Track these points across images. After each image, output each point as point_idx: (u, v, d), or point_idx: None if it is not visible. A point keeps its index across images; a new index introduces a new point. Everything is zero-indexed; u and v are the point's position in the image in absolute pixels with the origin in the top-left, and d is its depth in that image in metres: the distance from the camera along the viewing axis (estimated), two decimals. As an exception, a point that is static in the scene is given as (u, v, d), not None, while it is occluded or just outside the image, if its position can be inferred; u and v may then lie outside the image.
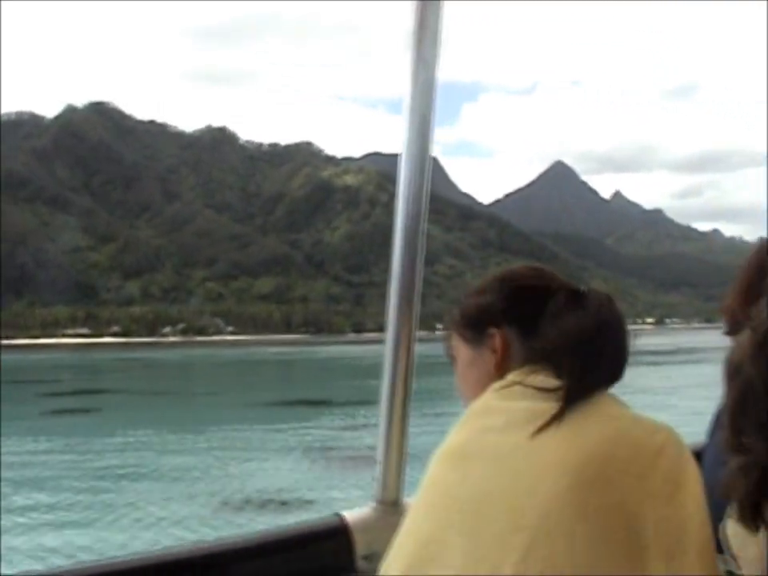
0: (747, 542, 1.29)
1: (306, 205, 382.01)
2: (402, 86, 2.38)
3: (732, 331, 1.89)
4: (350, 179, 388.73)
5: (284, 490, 25.71)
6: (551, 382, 1.67)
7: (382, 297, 2.42)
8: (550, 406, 1.62)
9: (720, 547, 1.58)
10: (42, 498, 25.25)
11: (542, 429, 1.58)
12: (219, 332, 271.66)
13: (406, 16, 2.36)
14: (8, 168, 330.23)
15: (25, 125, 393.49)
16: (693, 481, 1.51)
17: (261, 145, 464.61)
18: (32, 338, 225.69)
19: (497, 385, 1.74)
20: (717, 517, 1.56)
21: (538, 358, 1.74)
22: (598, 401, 1.64)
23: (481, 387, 1.78)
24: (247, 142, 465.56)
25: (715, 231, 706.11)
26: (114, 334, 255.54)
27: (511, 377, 1.74)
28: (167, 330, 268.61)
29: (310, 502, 23.86)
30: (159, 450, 34.18)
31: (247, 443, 35.87)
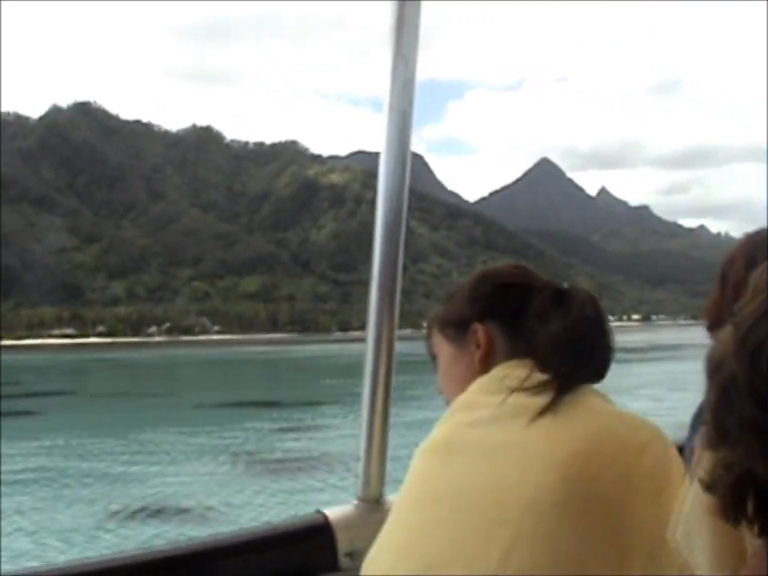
0: (699, 544, 1.25)
1: (292, 203, 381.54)
2: (382, 83, 2.38)
3: (714, 327, 1.89)
4: (335, 177, 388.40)
5: (188, 496, 24.81)
6: (537, 376, 1.67)
7: (369, 295, 2.22)
8: (535, 401, 1.62)
9: None
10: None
11: (533, 420, 1.59)
12: (205, 331, 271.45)
13: (385, 14, 2.37)
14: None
15: (10, 125, 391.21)
16: (677, 479, 1.50)
17: (246, 144, 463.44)
18: (17, 339, 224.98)
19: (481, 379, 1.75)
20: None
21: (522, 354, 1.75)
22: (582, 397, 1.64)
23: (465, 384, 1.78)
24: (232, 140, 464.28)
25: (701, 227, 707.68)
26: (100, 334, 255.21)
27: (495, 371, 1.74)
28: (153, 329, 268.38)
29: (210, 509, 23.06)
30: (68, 455, 33.08)
31: (171, 447, 34.91)
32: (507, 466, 1.56)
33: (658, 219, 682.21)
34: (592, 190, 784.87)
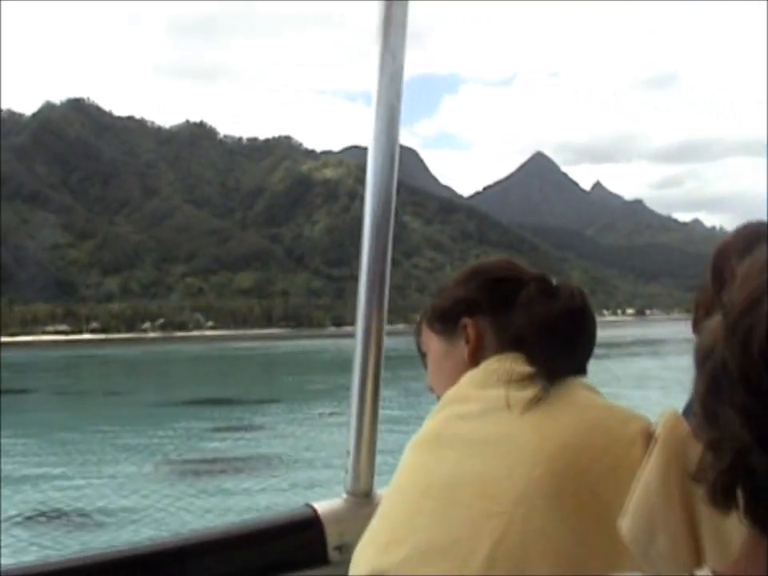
0: (654, 538, 1.25)
1: (286, 199, 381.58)
2: (370, 77, 2.40)
3: (701, 321, 1.82)
4: (329, 173, 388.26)
5: (93, 501, 23.43)
6: (526, 369, 1.68)
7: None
8: (524, 394, 1.63)
9: None
10: None
11: (523, 413, 1.60)
12: (199, 327, 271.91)
13: (374, 8, 2.38)
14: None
15: (3, 122, 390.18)
16: None
17: (240, 139, 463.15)
18: (11, 336, 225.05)
19: (471, 373, 1.75)
20: None
21: (511, 347, 1.76)
22: (572, 389, 1.65)
23: (455, 378, 1.78)
24: (226, 136, 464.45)
25: (696, 221, 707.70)
26: (93, 331, 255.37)
27: (485, 365, 1.75)
28: (147, 325, 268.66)
29: (110, 513, 21.93)
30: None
31: (98, 447, 33.60)
32: (497, 459, 1.56)
33: (653, 213, 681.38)
34: (586, 184, 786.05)
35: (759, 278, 0.87)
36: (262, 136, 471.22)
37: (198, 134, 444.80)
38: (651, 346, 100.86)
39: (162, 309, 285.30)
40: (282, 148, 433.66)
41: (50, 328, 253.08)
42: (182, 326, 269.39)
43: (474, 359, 1.80)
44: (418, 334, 2.00)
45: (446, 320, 1.89)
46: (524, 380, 1.66)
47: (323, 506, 2.53)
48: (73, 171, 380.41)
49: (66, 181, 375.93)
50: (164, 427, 39.17)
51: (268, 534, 2.50)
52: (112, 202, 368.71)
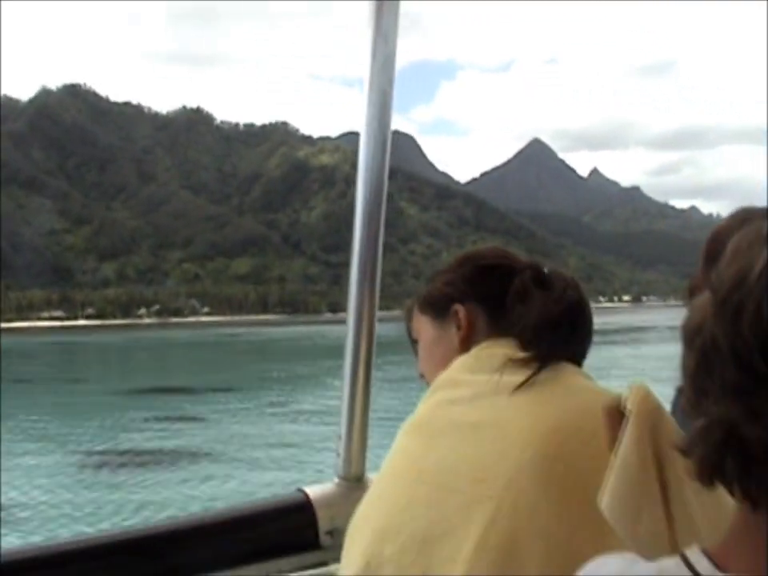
0: (639, 517, 1.26)
1: (283, 185, 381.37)
2: (362, 62, 2.39)
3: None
4: (325, 159, 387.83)
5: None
6: (518, 354, 1.68)
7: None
8: (516, 379, 1.63)
9: None
10: None
11: (514, 397, 1.60)
12: (195, 313, 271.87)
13: None
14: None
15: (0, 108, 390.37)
16: None
17: (237, 125, 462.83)
18: (7, 322, 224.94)
19: (463, 358, 1.75)
20: None
21: (503, 333, 1.76)
22: (563, 374, 1.66)
23: (446, 365, 1.78)
24: (223, 122, 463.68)
25: (693, 208, 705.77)
26: (89, 317, 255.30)
27: (477, 350, 1.75)
28: (142, 311, 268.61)
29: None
30: None
31: (22, 435, 33.74)
32: (488, 443, 1.56)
33: (650, 200, 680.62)
34: (583, 171, 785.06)
35: (748, 254, 0.88)
36: (258, 122, 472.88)
37: (194, 120, 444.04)
38: (633, 333, 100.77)
39: (158, 295, 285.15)
40: (279, 134, 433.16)
41: (45, 314, 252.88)
42: (178, 312, 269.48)
43: (466, 345, 1.80)
44: (408, 320, 2.00)
45: (437, 306, 1.88)
46: (516, 365, 1.65)
47: (315, 490, 2.54)
48: (69, 157, 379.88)
49: (62, 166, 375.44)
50: (103, 416, 39.01)
51: (260, 518, 2.50)
52: (109, 187, 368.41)
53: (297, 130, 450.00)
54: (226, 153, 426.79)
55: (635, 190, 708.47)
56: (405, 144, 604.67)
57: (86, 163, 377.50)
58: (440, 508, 1.54)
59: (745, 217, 2.08)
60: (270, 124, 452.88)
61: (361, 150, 2.43)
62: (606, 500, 1.26)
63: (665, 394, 1.50)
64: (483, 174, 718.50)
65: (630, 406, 1.34)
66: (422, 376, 1.93)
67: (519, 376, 1.63)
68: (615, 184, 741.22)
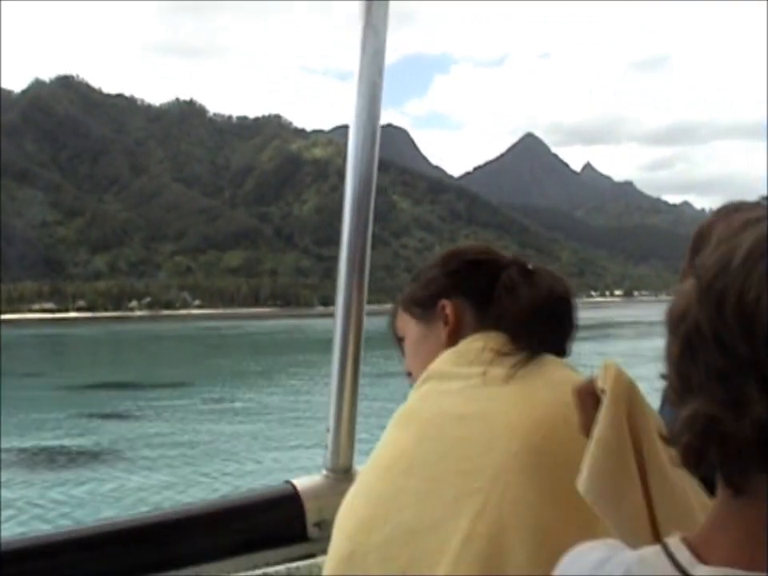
0: (621, 500, 1.26)
1: (275, 178, 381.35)
2: (352, 54, 2.39)
3: None
4: (318, 152, 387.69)
5: None
6: (506, 347, 1.70)
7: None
8: (503, 371, 1.65)
9: None
10: None
11: (501, 389, 1.62)
12: (186, 306, 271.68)
13: None
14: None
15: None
16: None
17: (230, 118, 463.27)
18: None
19: (451, 350, 1.77)
20: None
21: (490, 327, 1.77)
22: (549, 366, 1.67)
23: (433, 361, 1.79)
24: (216, 114, 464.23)
25: (685, 203, 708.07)
26: (80, 309, 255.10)
27: (465, 343, 1.76)
28: (133, 304, 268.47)
29: None
30: None
31: None
32: (476, 436, 1.57)
33: (642, 195, 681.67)
34: (577, 166, 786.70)
35: (731, 241, 0.88)
36: (252, 115, 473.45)
37: (187, 112, 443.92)
38: (610, 329, 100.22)
39: (150, 287, 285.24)
40: (272, 127, 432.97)
41: (36, 306, 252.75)
42: (169, 305, 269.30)
43: (453, 340, 1.80)
44: (393, 318, 2.00)
45: (424, 303, 1.88)
46: (504, 357, 1.67)
47: (303, 482, 2.55)
48: (62, 149, 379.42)
49: (55, 158, 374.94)
50: (28, 413, 38.32)
51: (248, 510, 2.50)
52: (101, 179, 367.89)
53: (290, 123, 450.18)
54: (218, 145, 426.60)
55: (628, 185, 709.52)
56: (398, 138, 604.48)
57: (78, 155, 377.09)
58: (428, 500, 1.54)
59: (730, 211, 2.11)
60: (263, 117, 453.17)
61: (350, 142, 2.42)
62: (585, 483, 1.26)
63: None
64: (476, 168, 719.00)
65: (602, 385, 1.34)
66: (409, 374, 1.93)
67: (506, 369, 1.64)
68: (608, 179, 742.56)
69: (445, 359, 1.75)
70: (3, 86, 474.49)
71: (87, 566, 2.23)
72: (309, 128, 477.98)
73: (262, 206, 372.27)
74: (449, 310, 1.82)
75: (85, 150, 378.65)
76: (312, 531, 2.49)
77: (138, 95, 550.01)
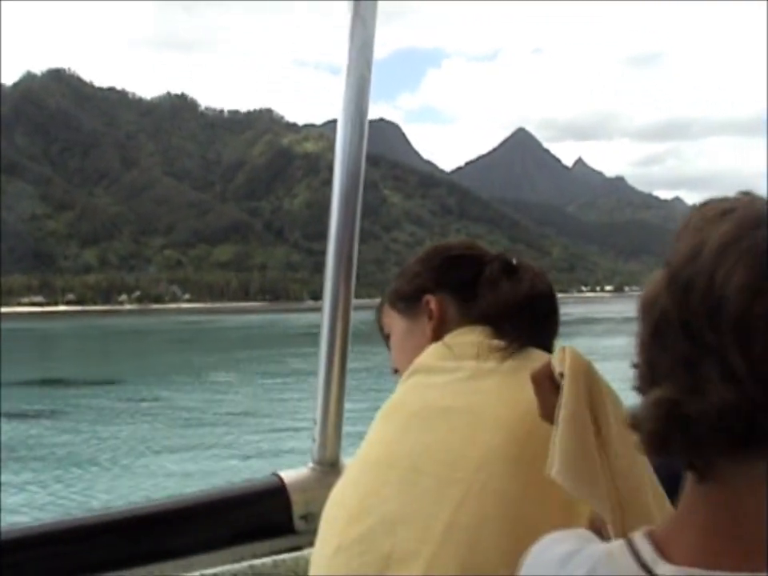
0: (595, 481, 1.30)
1: (266, 172, 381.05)
2: (341, 46, 2.38)
3: None
4: (310, 146, 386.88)
5: None
6: (490, 341, 1.71)
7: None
8: (487, 365, 1.67)
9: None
10: None
11: (485, 382, 1.64)
12: (175, 300, 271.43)
13: None
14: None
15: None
16: None
17: (221, 112, 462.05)
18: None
19: (436, 344, 1.78)
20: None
21: (475, 321, 1.78)
22: (533, 360, 1.66)
23: (420, 355, 1.81)
24: (207, 108, 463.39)
25: (677, 199, 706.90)
26: (69, 303, 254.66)
27: (450, 337, 1.77)
28: (123, 297, 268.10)
29: None
30: None
31: None
32: (460, 428, 1.58)
33: (634, 190, 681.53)
34: (568, 161, 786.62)
35: (702, 231, 0.91)
36: (243, 109, 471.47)
37: (178, 106, 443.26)
38: (583, 325, 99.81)
39: (139, 281, 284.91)
40: (264, 121, 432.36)
41: (25, 299, 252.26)
42: (159, 299, 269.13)
43: (438, 334, 1.81)
44: (379, 314, 2.01)
45: (408, 299, 1.90)
46: (488, 351, 1.68)
47: (289, 475, 2.55)
48: (53, 142, 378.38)
49: (45, 152, 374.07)
50: None
51: (234, 502, 2.50)
52: (91, 173, 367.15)
53: (281, 117, 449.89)
54: (209, 139, 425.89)
55: (620, 181, 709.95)
56: (390, 132, 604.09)
57: (69, 148, 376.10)
58: (411, 491, 1.56)
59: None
60: (255, 111, 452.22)
61: (338, 135, 2.41)
62: (557, 467, 1.27)
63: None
64: (468, 163, 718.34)
65: (560, 368, 1.37)
66: (395, 371, 1.94)
67: (491, 362, 1.66)
68: (600, 174, 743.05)
69: (431, 353, 1.77)
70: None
71: (72, 558, 2.21)
72: (300, 122, 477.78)
73: (253, 200, 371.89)
74: (433, 305, 1.84)
75: (75, 143, 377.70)
76: (299, 524, 2.48)
77: (129, 89, 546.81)
